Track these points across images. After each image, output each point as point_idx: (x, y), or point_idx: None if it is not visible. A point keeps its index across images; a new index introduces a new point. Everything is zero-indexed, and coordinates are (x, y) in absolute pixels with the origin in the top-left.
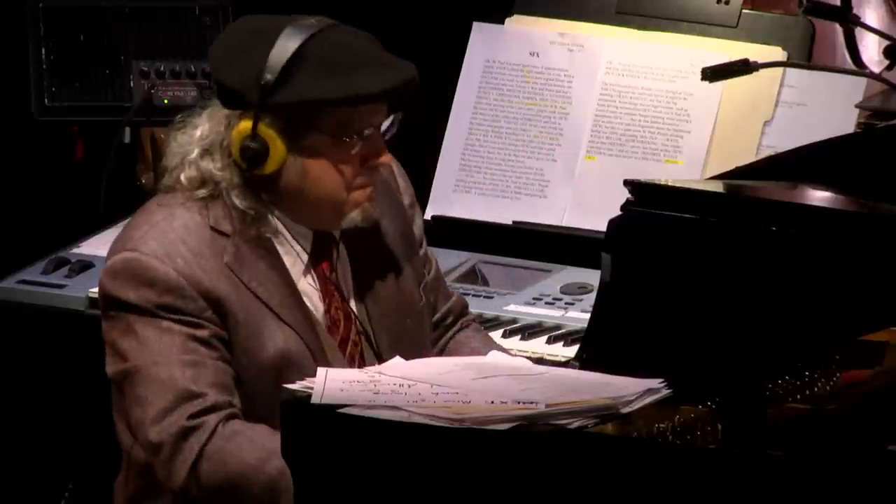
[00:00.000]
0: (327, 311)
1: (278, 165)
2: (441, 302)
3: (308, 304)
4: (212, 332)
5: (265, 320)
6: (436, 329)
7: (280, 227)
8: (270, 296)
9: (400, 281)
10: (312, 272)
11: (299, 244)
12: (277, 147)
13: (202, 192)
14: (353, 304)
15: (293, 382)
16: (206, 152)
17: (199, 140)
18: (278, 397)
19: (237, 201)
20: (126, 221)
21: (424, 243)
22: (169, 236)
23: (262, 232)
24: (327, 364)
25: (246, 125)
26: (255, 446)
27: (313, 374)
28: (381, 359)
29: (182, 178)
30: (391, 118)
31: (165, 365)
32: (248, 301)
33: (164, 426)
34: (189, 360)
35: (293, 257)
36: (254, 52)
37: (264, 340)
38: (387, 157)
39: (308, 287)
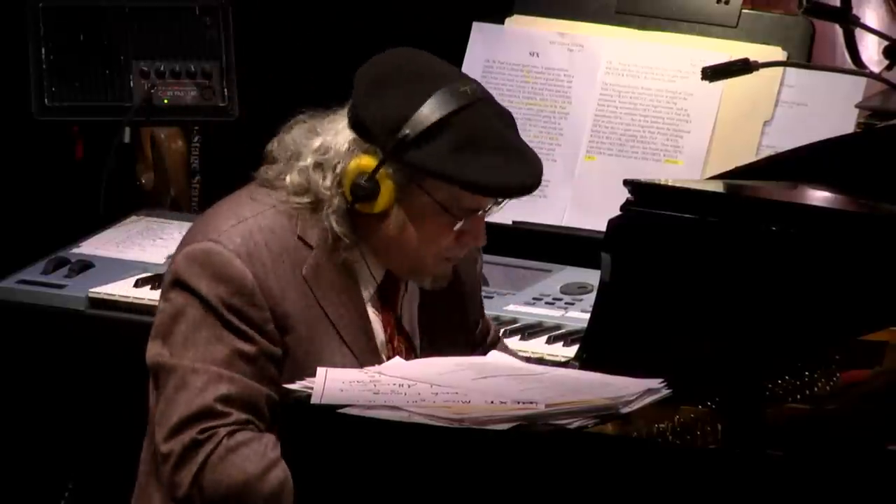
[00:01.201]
0: (389, 341)
1: (382, 210)
2: (484, 337)
3: (372, 331)
4: (260, 349)
5: (329, 340)
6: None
7: (360, 255)
8: (339, 316)
9: (462, 323)
10: (378, 303)
11: (373, 271)
12: (387, 195)
13: (302, 201)
14: (416, 339)
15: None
16: (319, 166)
17: (316, 150)
18: None
19: (335, 225)
20: (132, 218)
21: (481, 285)
22: (255, 236)
23: (346, 257)
24: None
25: (367, 163)
26: (259, 456)
27: None
28: None
29: (287, 179)
30: (501, 205)
31: (202, 374)
32: (315, 318)
33: (177, 440)
34: (227, 375)
35: (365, 282)
36: (403, 97)
37: (324, 360)
38: (483, 240)
39: (373, 315)
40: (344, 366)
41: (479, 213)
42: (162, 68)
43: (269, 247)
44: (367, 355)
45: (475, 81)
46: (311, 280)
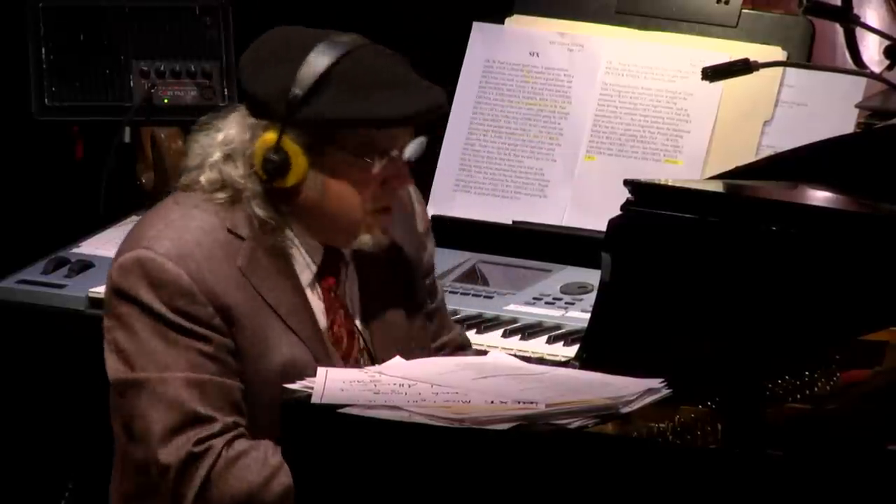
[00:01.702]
0: (331, 326)
1: (299, 179)
2: (441, 333)
3: (315, 316)
4: (218, 345)
5: (272, 327)
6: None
7: (294, 238)
8: (280, 303)
9: (406, 305)
10: (318, 286)
11: (309, 257)
12: (299, 162)
13: (221, 196)
14: (358, 322)
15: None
16: (229, 157)
17: (221, 144)
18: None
19: (258, 210)
20: (133, 218)
21: (433, 272)
22: (184, 237)
23: (278, 241)
24: None
25: (270, 137)
26: (260, 465)
27: None
28: None
29: (202, 179)
30: (417, 141)
31: (172, 383)
32: (257, 307)
33: (171, 448)
34: (195, 378)
35: (302, 268)
36: (284, 64)
37: (270, 348)
38: (407, 181)
39: (314, 300)
40: (292, 352)
41: (395, 153)
42: (162, 68)
43: (199, 244)
44: (314, 340)
45: (357, 34)
46: (247, 271)
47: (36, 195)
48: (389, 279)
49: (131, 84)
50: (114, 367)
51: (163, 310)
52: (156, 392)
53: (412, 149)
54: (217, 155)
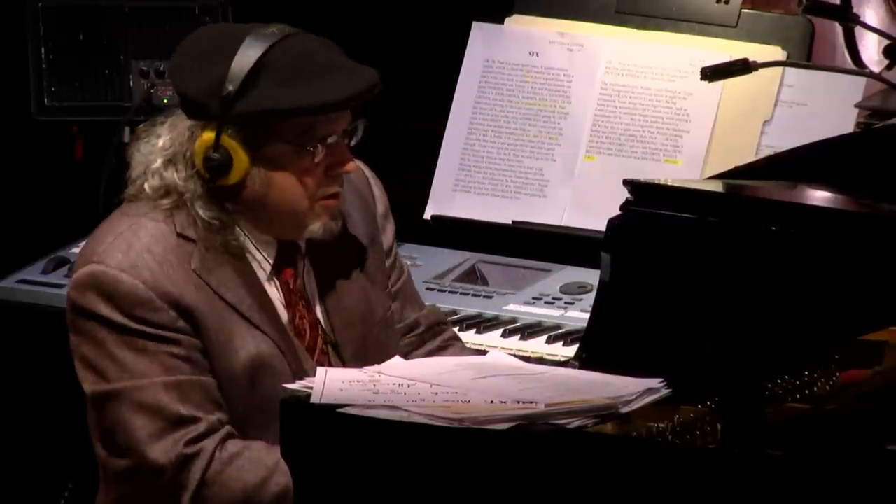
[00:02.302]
0: (292, 319)
1: (242, 176)
2: (409, 311)
3: (276, 310)
4: (187, 345)
5: (236, 325)
6: (404, 337)
7: (245, 235)
8: (240, 300)
9: (365, 290)
10: (276, 280)
11: (263, 252)
12: (240, 158)
13: (166, 202)
14: (318, 313)
15: (266, 386)
16: (170, 162)
17: (161, 150)
18: (253, 401)
19: (201, 212)
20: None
21: (395, 252)
22: (135, 247)
23: (228, 239)
24: (300, 368)
25: (209, 136)
26: (256, 466)
27: (287, 378)
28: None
29: (146, 187)
30: (356, 124)
31: (149, 389)
32: (217, 307)
33: (160, 450)
34: (171, 381)
35: (258, 264)
36: (214, 62)
37: (236, 346)
38: (351, 165)
39: (273, 294)
40: (258, 347)
41: (335, 138)
42: (161, 68)
43: (151, 252)
44: (277, 334)
45: (284, 25)
46: (202, 272)
47: (36, 195)
48: (347, 266)
49: (131, 84)
50: (88, 381)
51: (124, 321)
52: (134, 400)
53: (352, 131)
54: (158, 161)
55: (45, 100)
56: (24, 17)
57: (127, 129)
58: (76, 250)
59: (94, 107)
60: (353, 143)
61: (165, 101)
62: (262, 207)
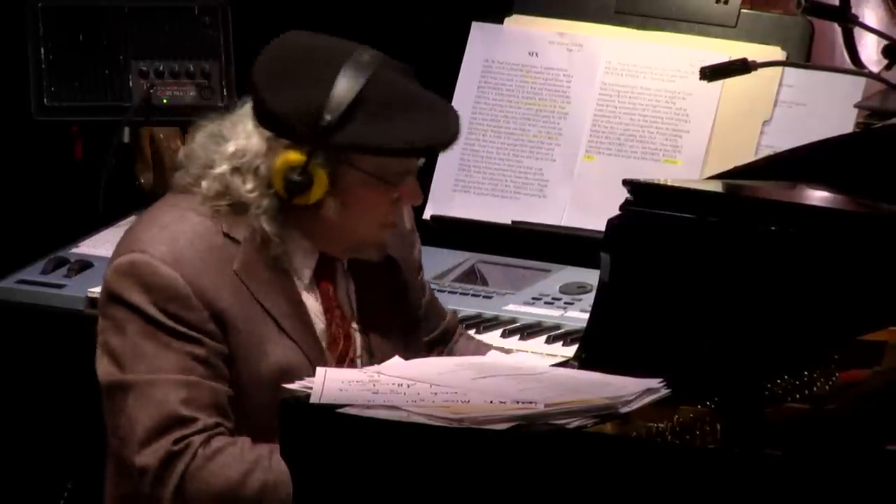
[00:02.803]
0: (328, 328)
1: (317, 199)
2: (438, 323)
3: (311, 318)
4: (210, 349)
5: (268, 332)
6: (432, 349)
7: (290, 244)
8: (275, 307)
9: (400, 304)
10: (316, 289)
11: (304, 260)
12: (321, 183)
13: (222, 203)
14: (354, 324)
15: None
16: (237, 171)
17: (231, 156)
18: (275, 408)
19: (266, 225)
20: (131, 218)
21: (422, 269)
22: (179, 240)
23: (276, 251)
24: None
25: (295, 158)
26: (237, 461)
27: None
28: None
29: (203, 185)
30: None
31: (161, 385)
32: (252, 311)
33: (149, 451)
34: (184, 380)
35: (298, 271)
36: (310, 84)
37: (266, 352)
38: (419, 200)
39: (311, 302)
40: (287, 356)
41: (412, 176)
42: (161, 68)
43: (194, 248)
44: (309, 343)
45: (367, 47)
46: (242, 274)
47: (35, 195)
48: (384, 279)
49: (130, 84)
50: (104, 369)
51: (155, 313)
52: (144, 393)
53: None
54: (224, 167)
55: (45, 100)
56: (24, 17)
57: (126, 129)
58: (76, 250)
59: (94, 107)
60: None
61: (165, 101)
62: (329, 229)
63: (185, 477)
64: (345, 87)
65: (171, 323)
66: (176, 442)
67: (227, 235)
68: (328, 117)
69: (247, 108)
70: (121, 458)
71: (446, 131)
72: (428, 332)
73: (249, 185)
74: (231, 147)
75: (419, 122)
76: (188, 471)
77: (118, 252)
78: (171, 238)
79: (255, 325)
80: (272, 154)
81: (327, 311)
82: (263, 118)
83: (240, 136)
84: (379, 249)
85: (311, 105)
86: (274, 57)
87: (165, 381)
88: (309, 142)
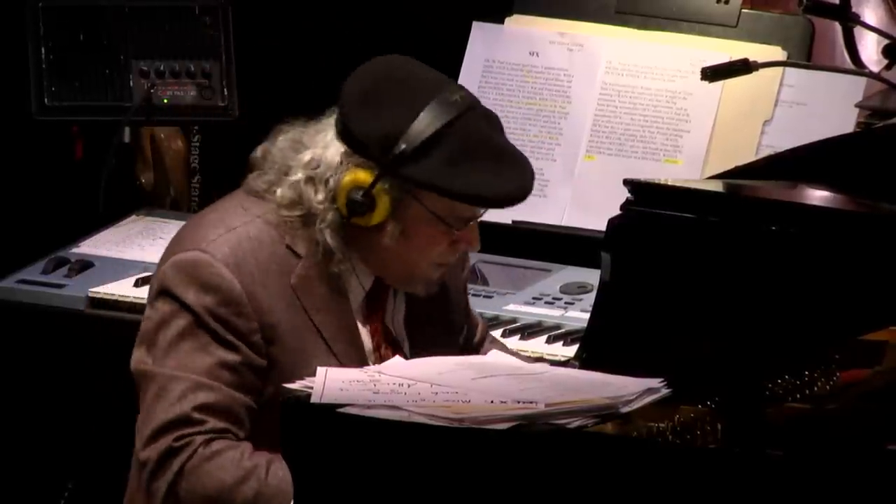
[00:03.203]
0: (376, 349)
1: (376, 223)
2: (471, 333)
3: (360, 339)
4: (245, 359)
5: (316, 349)
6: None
7: (349, 265)
8: (327, 326)
9: (448, 330)
10: (366, 311)
11: (361, 281)
12: (382, 209)
13: (293, 214)
14: (405, 346)
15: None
16: (311, 180)
17: (306, 164)
18: None
19: (329, 238)
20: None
21: (467, 288)
22: (243, 246)
23: (335, 269)
24: None
25: (363, 177)
26: (234, 466)
27: None
28: None
29: (278, 192)
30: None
31: (181, 382)
32: (303, 327)
33: (153, 447)
34: (207, 384)
35: (352, 290)
36: (396, 110)
37: (312, 369)
38: (477, 246)
39: (360, 324)
40: None
41: (473, 222)
42: (162, 68)
43: (256, 256)
44: (356, 364)
45: (461, 87)
46: (298, 289)
47: (35, 195)
48: (434, 303)
49: (131, 84)
50: (137, 356)
51: (205, 315)
52: (164, 387)
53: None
54: (300, 174)
55: (45, 100)
56: (24, 17)
57: (127, 129)
58: (76, 250)
59: (94, 107)
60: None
61: (166, 101)
62: (382, 255)
63: (180, 473)
64: (427, 121)
65: (216, 326)
66: (178, 439)
67: (289, 248)
68: (403, 146)
69: (331, 119)
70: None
71: (516, 188)
72: (477, 349)
73: (320, 196)
74: (308, 155)
75: (492, 173)
76: (184, 468)
77: (180, 246)
78: (235, 242)
79: (304, 341)
80: (343, 169)
81: (375, 332)
82: (343, 133)
83: (318, 145)
84: (428, 286)
85: (391, 130)
86: (370, 74)
87: (187, 380)
88: (379, 165)
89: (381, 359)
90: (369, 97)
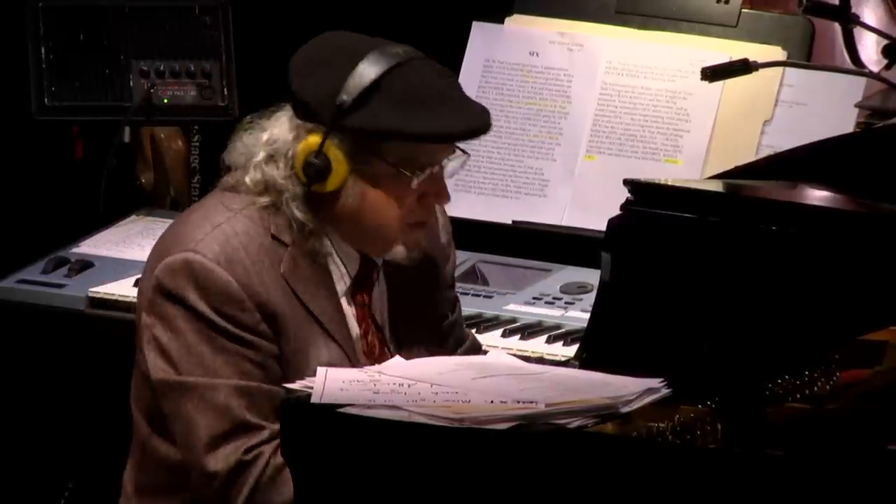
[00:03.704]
0: (364, 335)
1: (338, 186)
2: (459, 344)
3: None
4: (265, 352)
5: (313, 335)
6: None
7: (332, 246)
8: (321, 311)
9: (431, 316)
10: (352, 296)
11: (346, 267)
12: (340, 168)
13: (265, 200)
14: (386, 332)
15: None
16: (272, 158)
17: (265, 144)
18: None
19: (297, 212)
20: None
21: (454, 285)
22: (231, 242)
23: (317, 247)
24: None
25: (314, 140)
26: None
27: None
28: None
29: (247, 179)
30: (458, 159)
31: (221, 389)
32: (300, 314)
33: (219, 456)
34: (244, 386)
35: (338, 278)
36: (335, 70)
37: (310, 354)
38: (445, 198)
39: (347, 310)
40: (331, 359)
41: (436, 168)
42: (162, 68)
43: (246, 250)
44: (350, 348)
45: (410, 47)
46: (289, 277)
47: (35, 195)
48: (416, 291)
49: (131, 84)
50: (157, 366)
51: (211, 314)
52: (204, 398)
53: (452, 166)
54: (261, 155)
55: (45, 100)
56: (24, 17)
57: (127, 129)
58: (76, 250)
59: (94, 107)
60: (451, 176)
61: (166, 100)
62: (352, 220)
63: (257, 487)
64: (365, 69)
65: (225, 324)
66: (247, 451)
67: (275, 238)
68: (344, 97)
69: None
70: (161, 452)
71: (467, 122)
72: (453, 351)
73: (282, 172)
74: (265, 136)
75: (441, 113)
76: (260, 482)
77: (168, 248)
78: (224, 239)
79: (302, 328)
80: (298, 140)
81: (361, 319)
82: (292, 103)
83: (274, 123)
84: (407, 251)
85: (332, 87)
86: (312, 45)
87: (226, 387)
88: (325, 123)
89: (367, 346)
90: (312, 63)
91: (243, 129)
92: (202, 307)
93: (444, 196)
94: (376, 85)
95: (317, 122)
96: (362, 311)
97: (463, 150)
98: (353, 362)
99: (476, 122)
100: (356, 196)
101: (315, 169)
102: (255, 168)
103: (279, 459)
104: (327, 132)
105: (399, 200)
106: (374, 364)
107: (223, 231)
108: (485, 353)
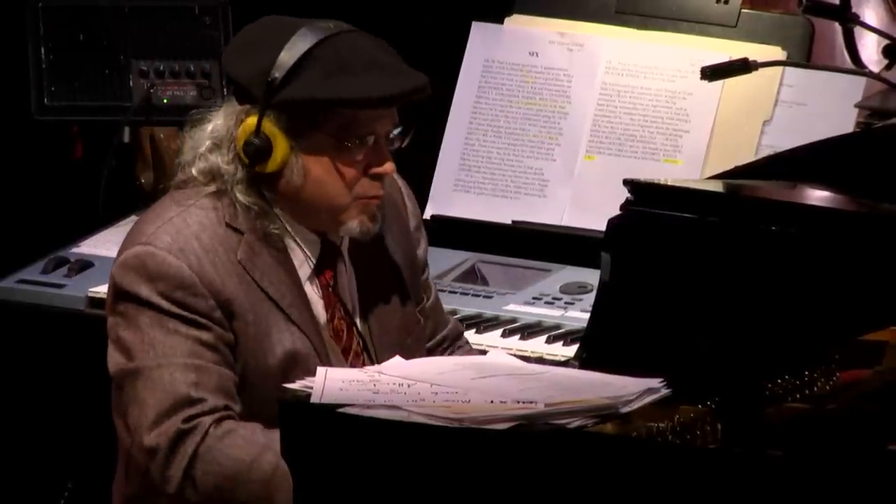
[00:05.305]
0: (330, 320)
1: (280, 164)
2: (438, 328)
3: (313, 309)
4: (217, 336)
5: (275, 320)
6: (433, 353)
7: (287, 228)
8: (281, 295)
9: (402, 301)
10: (317, 281)
11: (306, 251)
12: (280, 145)
13: (213, 188)
14: (356, 318)
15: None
16: (216, 146)
17: (210, 134)
18: None
19: (240, 196)
20: (132, 218)
21: (427, 269)
22: (183, 232)
23: (271, 229)
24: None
25: (251, 121)
26: (248, 443)
27: None
28: None
29: (194, 171)
30: (401, 128)
31: (168, 367)
32: (258, 300)
33: (159, 431)
34: (192, 363)
35: (300, 263)
36: (266, 49)
37: (273, 340)
38: (388, 167)
39: (312, 294)
40: (294, 344)
41: (376, 138)
42: (161, 68)
43: (199, 239)
44: (314, 333)
45: (342, 21)
46: (246, 264)
47: (35, 195)
48: (385, 276)
49: (130, 84)
50: (114, 360)
51: (161, 301)
52: (152, 378)
53: (396, 136)
54: (206, 144)
55: (45, 100)
56: (24, 17)
57: (126, 129)
58: (76, 250)
59: (94, 107)
60: (395, 147)
61: (165, 101)
62: (299, 198)
63: (194, 456)
64: (295, 44)
65: (177, 310)
66: (185, 421)
67: (229, 226)
68: (276, 74)
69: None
70: (131, 446)
71: (399, 85)
72: (428, 338)
73: (226, 157)
74: (210, 126)
75: (375, 78)
76: (198, 450)
77: (123, 248)
78: (175, 230)
79: (262, 313)
80: (239, 123)
81: (328, 304)
82: (232, 90)
83: (217, 114)
84: (361, 225)
85: (262, 66)
86: (243, 32)
87: (173, 365)
88: (259, 101)
89: (334, 330)
90: (244, 46)
91: (191, 126)
92: (154, 298)
93: (386, 165)
94: (306, 57)
95: (252, 102)
96: (328, 294)
97: (407, 121)
98: (318, 346)
99: (407, 84)
100: (300, 173)
101: (255, 148)
102: (201, 158)
103: (220, 430)
104: (262, 110)
105: (343, 173)
106: (341, 348)
107: (174, 224)
108: (483, 352)
